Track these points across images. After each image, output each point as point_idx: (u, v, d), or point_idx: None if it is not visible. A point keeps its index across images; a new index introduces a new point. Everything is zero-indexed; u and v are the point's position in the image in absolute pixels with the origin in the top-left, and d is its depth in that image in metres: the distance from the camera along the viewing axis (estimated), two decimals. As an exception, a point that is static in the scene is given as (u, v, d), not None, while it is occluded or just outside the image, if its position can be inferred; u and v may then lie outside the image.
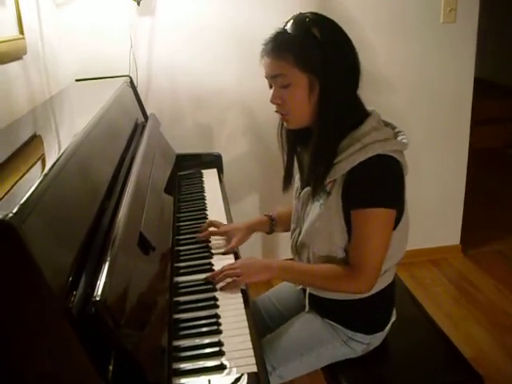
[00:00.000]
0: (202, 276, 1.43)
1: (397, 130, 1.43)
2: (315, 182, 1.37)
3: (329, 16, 1.36)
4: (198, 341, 1.18)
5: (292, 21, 1.33)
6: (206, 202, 1.93)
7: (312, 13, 1.34)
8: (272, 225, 1.68)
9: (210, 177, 2.19)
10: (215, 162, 2.31)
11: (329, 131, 1.33)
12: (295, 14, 1.36)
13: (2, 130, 1.48)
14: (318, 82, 1.30)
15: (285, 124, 1.42)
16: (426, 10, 2.66)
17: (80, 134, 1.36)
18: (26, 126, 1.58)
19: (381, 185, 1.29)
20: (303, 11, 1.36)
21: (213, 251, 1.57)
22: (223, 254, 1.57)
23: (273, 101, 1.37)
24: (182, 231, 1.71)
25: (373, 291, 1.40)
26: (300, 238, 1.46)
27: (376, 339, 1.49)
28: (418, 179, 2.89)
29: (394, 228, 1.36)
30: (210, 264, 1.49)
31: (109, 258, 1.02)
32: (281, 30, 1.34)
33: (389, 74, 2.73)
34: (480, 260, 3.05)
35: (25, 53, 1.84)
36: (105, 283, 0.94)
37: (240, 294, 1.34)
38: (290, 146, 1.48)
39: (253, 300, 1.71)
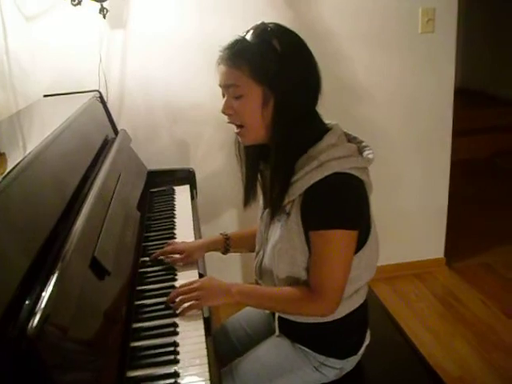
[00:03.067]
0: (164, 299, 1.36)
1: (363, 144, 1.36)
2: (273, 203, 1.31)
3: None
4: (152, 371, 1.11)
5: (253, 30, 1.27)
6: (176, 220, 1.87)
7: (275, 24, 1.29)
8: (226, 244, 1.62)
9: (182, 194, 2.13)
10: (188, 178, 2.25)
11: (284, 148, 1.26)
12: (257, 23, 1.30)
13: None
14: (273, 96, 1.24)
15: (239, 140, 1.36)
16: (404, 21, 2.62)
17: (37, 149, 1.31)
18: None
19: (338, 205, 1.22)
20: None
21: (178, 273, 1.51)
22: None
23: (224, 111, 1.30)
24: (149, 251, 1.64)
25: (343, 313, 1.34)
26: (263, 261, 1.39)
27: (349, 363, 1.42)
28: (399, 191, 2.84)
29: (361, 248, 1.30)
30: (174, 287, 1.41)
31: (50, 288, 0.94)
32: (239, 38, 1.27)
33: (367, 85, 2.68)
34: (465, 273, 2.99)
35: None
36: (41, 316, 0.86)
37: (202, 321, 1.27)
38: (249, 163, 1.42)
39: (222, 323, 1.64)
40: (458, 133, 2.91)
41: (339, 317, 1.33)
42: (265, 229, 1.41)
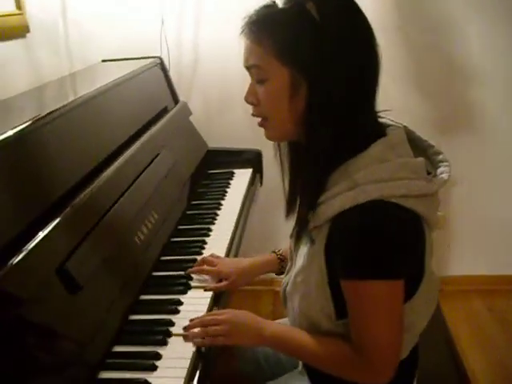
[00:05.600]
0: (161, 317, 1.14)
1: (439, 158, 1.03)
2: (298, 222, 1.05)
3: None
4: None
5: None
6: (220, 212, 1.62)
7: None
8: (281, 266, 1.33)
9: (240, 179, 1.88)
10: (253, 160, 2.00)
11: (318, 154, 0.96)
12: None
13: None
14: (306, 83, 0.93)
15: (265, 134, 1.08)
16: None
17: (69, 106, 1.25)
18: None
19: (372, 248, 0.89)
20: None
21: (193, 284, 1.27)
22: (205, 290, 1.27)
23: (246, 99, 1.03)
24: (172, 252, 1.42)
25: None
26: (288, 285, 1.12)
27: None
28: (503, 191, 2.37)
29: (413, 294, 0.99)
30: (179, 302, 1.19)
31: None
32: (270, 2, 0.97)
33: (483, 64, 2.23)
34: None
35: (27, 31, 1.64)
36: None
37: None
38: (293, 169, 1.11)
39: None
40: None
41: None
42: (294, 248, 1.14)
